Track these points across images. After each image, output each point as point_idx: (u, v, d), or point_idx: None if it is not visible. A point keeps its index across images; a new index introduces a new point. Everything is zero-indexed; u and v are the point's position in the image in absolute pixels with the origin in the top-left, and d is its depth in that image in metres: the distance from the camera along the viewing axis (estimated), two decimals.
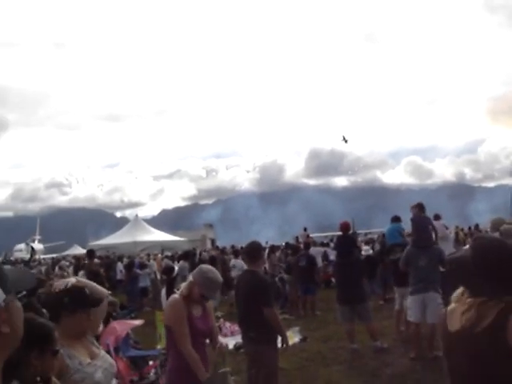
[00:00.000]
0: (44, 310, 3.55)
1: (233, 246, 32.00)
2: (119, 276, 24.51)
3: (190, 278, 5.40)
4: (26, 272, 2.03)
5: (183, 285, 5.39)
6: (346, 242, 11.62)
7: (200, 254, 31.58)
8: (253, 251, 7.38)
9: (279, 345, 7.07)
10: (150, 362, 10.19)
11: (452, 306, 2.83)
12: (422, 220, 10.13)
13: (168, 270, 9.91)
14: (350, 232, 12.95)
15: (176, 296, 5.23)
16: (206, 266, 5.62)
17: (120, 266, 24.82)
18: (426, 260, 9.39)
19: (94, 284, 3.99)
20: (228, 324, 13.56)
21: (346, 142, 53.75)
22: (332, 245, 27.11)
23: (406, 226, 13.32)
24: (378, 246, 20.87)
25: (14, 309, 1.72)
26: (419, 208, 10.68)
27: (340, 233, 12.02)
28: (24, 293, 1.78)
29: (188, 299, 5.19)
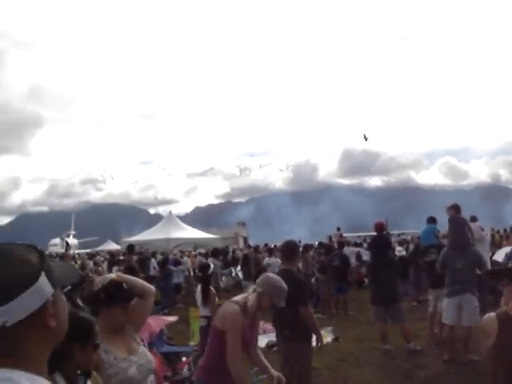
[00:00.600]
0: (84, 305, 3.65)
1: (266, 245, 32.03)
2: (152, 272, 24.68)
3: (258, 288, 5.29)
4: (71, 267, 2.07)
5: (245, 295, 5.32)
6: (381, 242, 11.56)
7: (233, 252, 31.72)
8: (289, 250, 7.42)
9: (313, 344, 7.10)
10: (183, 359, 10.26)
11: None
12: (459, 221, 9.99)
13: (204, 268, 9.95)
14: (384, 232, 12.88)
15: (237, 307, 5.11)
16: (272, 276, 5.57)
17: (154, 262, 24.99)
18: (463, 262, 9.28)
19: (138, 280, 4.06)
20: (261, 322, 13.59)
21: (366, 139, 53.32)
22: (365, 245, 27.04)
23: (441, 227, 13.21)
24: (413, 247, 20.61)
25: (61, 303, 1.77)
26: (456, 209, 10.52)
27: (374, 233, 11.99)
28: (69, 288, 1.82)
29: (244, 308, 5.15)
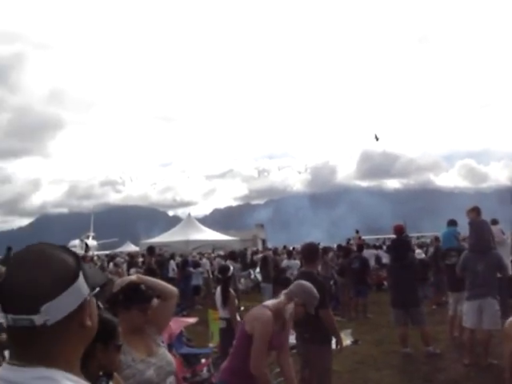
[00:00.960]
0: (104, 307, 3.68)
1: (285, 247, 32.01)
2: (171, 274, 24.77)
3: (294, 297, 5.35)
4: (98, 269, 2.13)
5: (277, 301, 5.35)
6: (401, 244, 11.50)
7: (252, 254, 31.67)
8: (309, 252, 7.44)
9: (333, 346, 7.10)
10: (203, 360, 10.30)
11: None
12: (480, 224, 9.89)
13: (223, 270, 9.96)
14: (404, 235, 12.82)
15: (269, 312, 5.11)
16: (306, 284, 5.59)
17: (173, 264, 25.07)
18: (484, 265, 9.18)
19: (160, 281, 4.08)
20: None
21: (377, 139, 52.85)
22: (384, 247, 26.92)
23: (461, 230, 13.13)
24: (432, 250, 20.41)
25: (93, 304, 1.81)
26: (476, 212, 10.41)
27: (393, 235, 11.94)
28: (98, 289, 1.86)
29: (276, 314, 5.15)
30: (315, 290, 5.45)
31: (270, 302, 5.34)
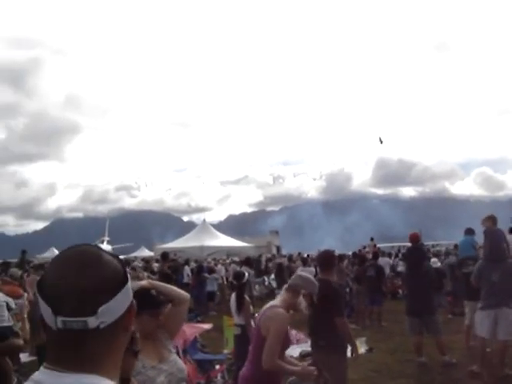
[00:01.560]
0: None
1: (299, 254, 32.01)
2: (186, 279, 24.83)
3: (297, 287, 5.42)
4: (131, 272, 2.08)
5: (280, 299, 5.39)
6: (416, 253, 11.44)
7: (267, 261, 31.64)
8: (325, 260, 7.43)
9: (349, 354, 7.09)
10: (217, 366, 10.31)
11: None
12: (495, 233, 9.79)
13: (239, 276, 9.96)
14: (419, 243, 12.73)
15: (283, 310, 5.16)
16: (305, 274, 5.72)
17: (187, 269, 25.10)
18: (499, 274, 9.06)
19: (171, 287, 4.05)
20: (294, 332, 13.50)
21: (381, 142, 52.56)
22: (400, 256, 26.80)
23: (477, 238, 13.04)
24: (453, 259, 20.15)
25: (135, 308, 1.74)
26: (492, 221, 10.29)
27: (408, 244, 11.89)
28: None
29: (288, 310, 5.24)
30: (312, 277, 5.56)
31: (277, 301, 5.36)
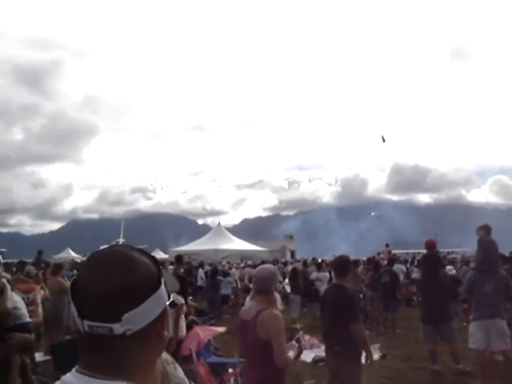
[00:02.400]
0: None
1: (314, 259, 31.97)
2: (199, 282, 24.90)
3: (272, 287, 5.40)
4: (171, 276, 2.01)
5: (261, 300, 5.31)
6: (432, 260, 11.34)
7: (281, 266, 31.61)
8: (341, 265, 7.42)
9: (363, 360, 7.07)
10: (230, 370, 10.32)
11: None
12: (487, 243, 9.59)
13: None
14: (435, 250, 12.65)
15: (274, 310, 5.15)
16: (261, 270, 5.62)
17: (201, 272, 25.15)
18: (493, 285, 8.86)
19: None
20: (307, 337, 13.47)
21: (384, 141, 52.23)
22: (415, 262, 26.65)
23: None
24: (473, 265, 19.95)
25: (168, 313, 1.69)
26: (486, 230, 10.03)
27: (423, 250, 11.82)
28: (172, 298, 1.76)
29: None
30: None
31: (258, 304, 5.31)
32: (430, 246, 11.53)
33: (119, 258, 1.60)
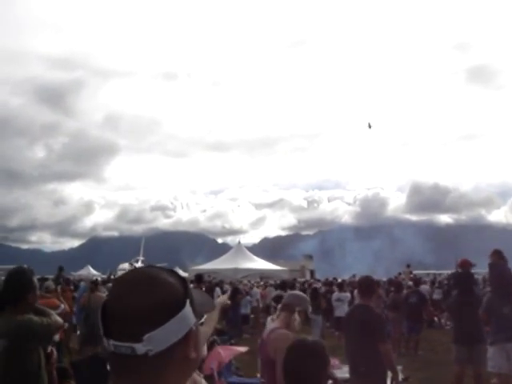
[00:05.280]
0: None
1: (335, 279, 31.88)
2: None
3: (292, 307, 5.38)
4: (205, 295, 1.98)
5: (280, 319, 5.40)
6: (468, 279, 11.05)
7: (301, 286, 31.52)
8: (366, 286, 7.39)
9: (388, 382, 7.00)
10: None
11: None
12: (499, 267, 9.51)
13: (278, 299, 9.97)
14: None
15: (285, 330, 5.14)
16: (297, 292, 5.74)
17: (218, 291, 25.11)
18: (510, 308, 8.72)
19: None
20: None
21: (370, 127, 51.91)
22: (436, 283, 26.38)
23: None
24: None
25: (199, 333, 1.68)
26: (498, 255, 9.93)
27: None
28: (205, 317, 1.73)
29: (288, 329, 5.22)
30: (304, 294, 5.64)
31: (276, 323, 5.38)
32: (465, 265, 11.25)
33: (144, 279, 1.61)
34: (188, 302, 1.61)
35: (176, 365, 1.59)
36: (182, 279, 1.68)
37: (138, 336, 1.52)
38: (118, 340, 1.54)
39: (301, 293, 5.72)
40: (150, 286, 1.59)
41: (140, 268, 1.71)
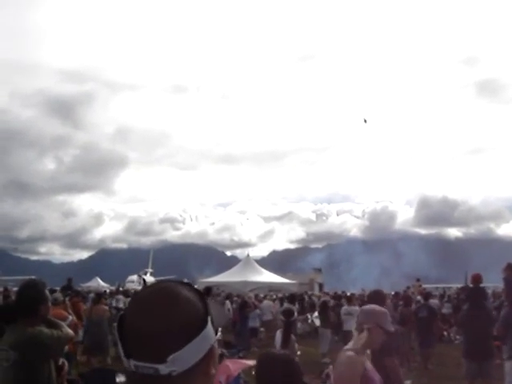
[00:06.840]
0: None
1: (344, 292, 31.81)
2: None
3: (363, 324, 4.93)
4: (219, 307, 1.95)
5: (355, 340, 4.97)
6: (479, 294, 11.01)
7: (310, 299, 31.46)
8: (377, 300, 7.35)
9: None
10: None
11: None
12: None
13: (288, 313, 9.92)
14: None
15: (351, 352, 4.73)
16: (366, 307, 5.27)
17: (228, 304, 25.04)
18: None
19: None
20: None
21: (365, 122, 52.14)
22: (446, 297, 26.23)
23: None
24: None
25: (216, 350, 1.65)
26: (511, 269, 10.12)
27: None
28: (220, 331, 1.68)
29: (363, 352, 4.82)
30: (377, 307, 5.11)
31: (350, 344, 5.03)
32: (477, 279, 11.25)
33: (166, 297, 1.58)
34: (209, 319, 1.60)
35: (197, 382, 1.58)
36: (201, 294, 1.65)
37: (161, 357, 1.50)
38: (141, 360, 1.52)
39: (371, 307, 5.18)
40: (172, 306, 1.56)
41: (159, 283, 1.67)
